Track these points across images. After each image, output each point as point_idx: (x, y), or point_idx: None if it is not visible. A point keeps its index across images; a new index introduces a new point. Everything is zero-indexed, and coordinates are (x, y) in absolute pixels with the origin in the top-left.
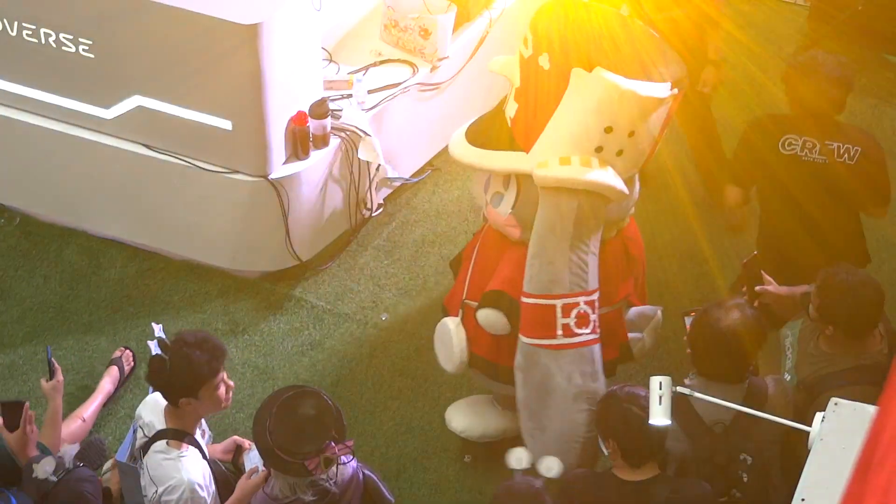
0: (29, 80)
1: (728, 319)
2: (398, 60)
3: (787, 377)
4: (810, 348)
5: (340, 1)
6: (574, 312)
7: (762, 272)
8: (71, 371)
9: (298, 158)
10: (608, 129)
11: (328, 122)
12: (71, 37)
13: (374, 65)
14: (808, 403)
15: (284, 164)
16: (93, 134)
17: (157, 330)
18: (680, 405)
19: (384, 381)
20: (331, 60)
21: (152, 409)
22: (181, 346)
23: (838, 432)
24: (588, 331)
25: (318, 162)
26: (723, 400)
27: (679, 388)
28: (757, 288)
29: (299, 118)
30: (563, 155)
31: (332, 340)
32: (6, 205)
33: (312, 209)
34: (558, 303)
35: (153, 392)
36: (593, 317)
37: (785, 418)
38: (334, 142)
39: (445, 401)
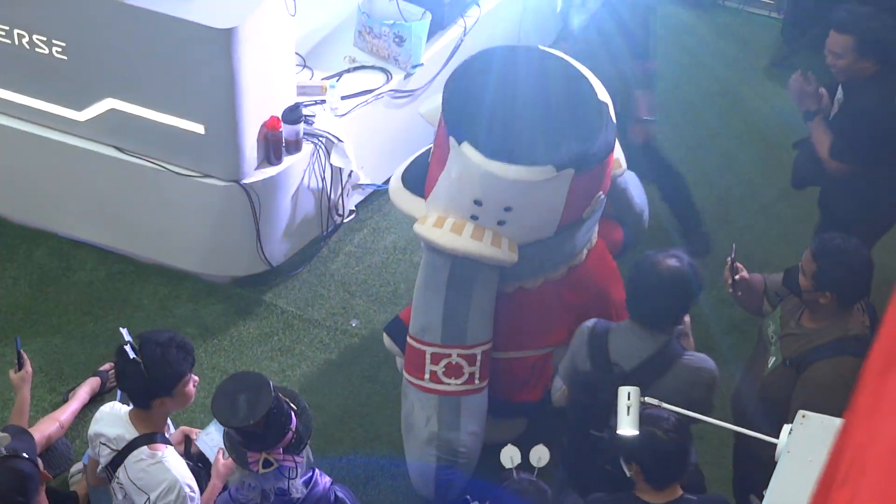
0: (2, 82)
1: (667, 263)
2: (372, 67)
3: (773, 359)
4: (791, 328)
5: (315, 6)
6: (444, 362)
7: (738, 264)
8: (39, 373)
9: (271, 163)
10: (477, 202)
11: (301, 127)
12: (45, 38)
13: (348, 71)
14: (794, 380)
15: (257, 168)
16: (65, 136)
17: (126, 334)
18: (597, 342)
19: (353, 388)
20: (305, 66)
21: (113, 422)
22: (153, 347)
23: (805, 444)
24: (458, 382)
25: (291, 167)
26: (639, 343)
27: (647, 399)
28: (736, 276)
29: (272, 123)
30: (441, 214)
31: (301, 346)
32: None
33: (284, 214)
34: (428, 350)
35: (104, 407)
36: (470, 369)
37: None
38: (307, 147)
39: None
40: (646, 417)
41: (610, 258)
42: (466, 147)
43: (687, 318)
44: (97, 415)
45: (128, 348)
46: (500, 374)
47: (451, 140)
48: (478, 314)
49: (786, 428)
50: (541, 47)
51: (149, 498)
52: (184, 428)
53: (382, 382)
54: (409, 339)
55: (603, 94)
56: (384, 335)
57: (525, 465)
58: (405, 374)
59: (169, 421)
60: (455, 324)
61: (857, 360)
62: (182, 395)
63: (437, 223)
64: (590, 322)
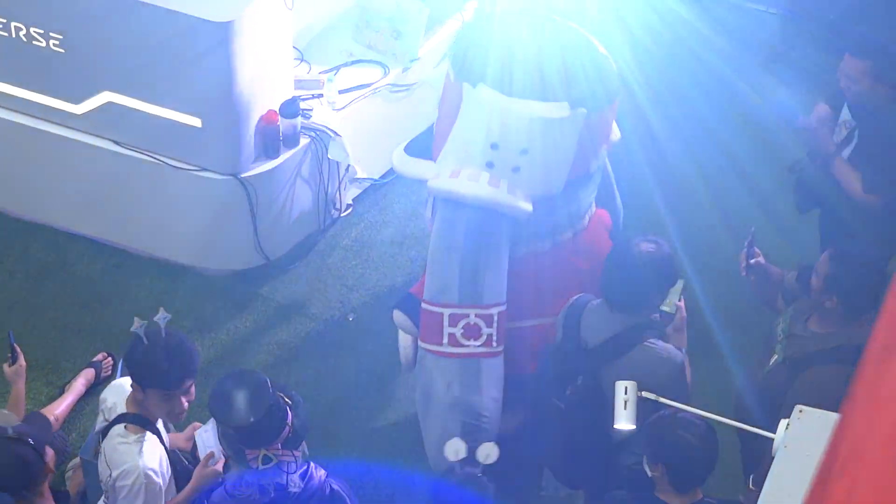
0: None
1: (643, 246)
2: (370, 61)
3: (776, 357)
4: (798, 329)
5: (312, 0)
6: (462, 323)
7: (755, 249)
8: (35, 367)
9: (268, 157)
10: (494, 145)
11: (298, 121)
12: (42, 31)
13: (346, 65)
14: (790, 380)
15: (254, 162)
16: (62, 129)
17: (161, 317)
18: (572, 317)
19: (349, 382)
20: (302, 59)
21: (117, 392)
22: (155, 341)
23: (802, 440)
24: (478, 343)
25: (288, 161)
26: (606, 323)
27: (644, 393)
28: (752, 260)
29: (269, 117)
30: (455, 167)
31: (298, 340)
32: None
33: (281, 208)
34: (446, 312)
35: (120, 377)
36: (488, 330)
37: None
38: (304, 141)
39: (410, 402)
40: (678, 422)
41: (605, 232)
42: (483, 88)
43: (682, 307)
44: (112, 382)
45: (139, 324)
46: (516, 344)
47: (465, 87)
48: (493, 270)
49: (783, 423)
50: (536, 9)
51: (110, 474)
52: (196, 424)
53: (379, 376)
54: (424, 305)
55: (602, 49)
56: (395, 312)
57: (472, 460)
58: (421, 344)
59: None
60: (472, 280)
61: (852, 370)
62: (158, 406)
63: (452, 176)
64: (576, 296)
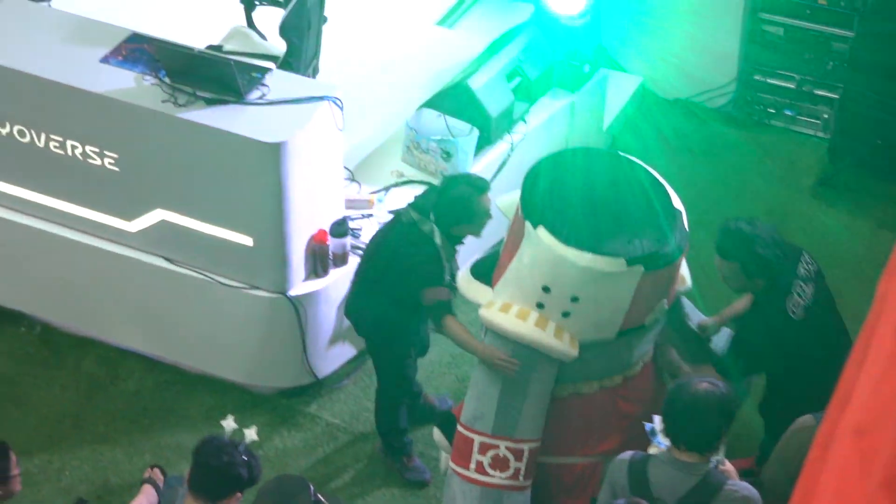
0: (54, 191)
1: (701, 386)
2: (420, 181)
3: None
4: None
5: (363, 121)
6: (491, 453)
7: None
8: (85, 482)
9: (317, 276)
10: (545, 289)
11: (348, 240)
12: (97, 150)
13: (396, 185)
14: None
15: (304, 281)
16: (115, 246)
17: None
18: (637, 476)
19: (397, 502)
20: (353, 179)
21: None
22: (218, 453)
23: None
24: (503, 475)
25: (337, 280)
26: (680, 474)
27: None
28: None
29: (320, 236)
30: (508, 301)
31: (345, 458)
32: (27, 313)
33: (330, 327)
34: (477, 438)
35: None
36: (516, 464)
37: None
38: (353, 260)
39: None
40: None
41: (657, 377)
42: (542, 231)
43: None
44: None
45: (228, 426)
46: (547, 479)
47: (527, 224)
48: (531, 408)
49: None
50: (621, 154)
51: None
52: None
53: (425, 497)
54: (459, 426)
55: (677, 203)
56: (434, 430)
57: None
58: (450, 464)
59: None
60: (508, 414)
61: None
62: None
63: (503, 309)
64: (626, 455)
